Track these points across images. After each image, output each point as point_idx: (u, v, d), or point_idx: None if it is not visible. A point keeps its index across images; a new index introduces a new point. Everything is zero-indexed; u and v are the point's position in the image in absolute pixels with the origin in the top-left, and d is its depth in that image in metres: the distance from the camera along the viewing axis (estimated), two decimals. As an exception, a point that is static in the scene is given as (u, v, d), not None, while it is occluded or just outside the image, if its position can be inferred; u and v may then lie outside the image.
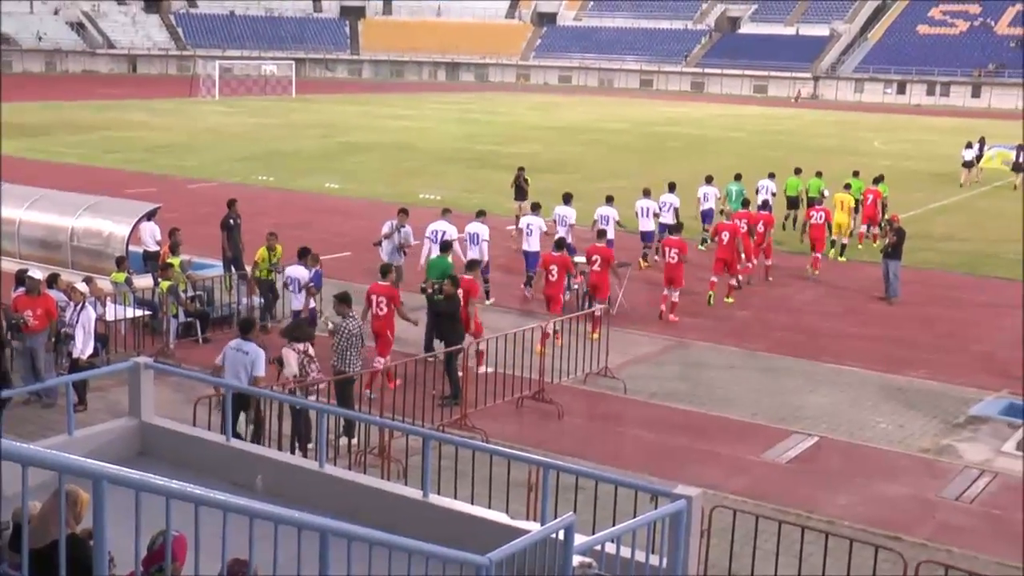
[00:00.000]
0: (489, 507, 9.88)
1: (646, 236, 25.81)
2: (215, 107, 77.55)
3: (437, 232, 21.13)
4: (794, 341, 20.34)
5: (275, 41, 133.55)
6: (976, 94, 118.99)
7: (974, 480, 13.89)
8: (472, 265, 18.30)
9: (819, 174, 31.58)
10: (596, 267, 20.07)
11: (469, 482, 11.28)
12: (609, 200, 25.11)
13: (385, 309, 16.24)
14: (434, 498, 9.33)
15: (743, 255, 23.54)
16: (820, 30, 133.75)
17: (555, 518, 7.59)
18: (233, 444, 10.39)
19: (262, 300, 19.80)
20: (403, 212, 21.60)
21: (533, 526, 8.47)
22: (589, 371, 17.22)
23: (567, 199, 24.25)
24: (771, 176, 31.25)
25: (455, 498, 10.01)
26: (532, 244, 22.90)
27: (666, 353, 19.30)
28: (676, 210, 26.47)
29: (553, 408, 15.69)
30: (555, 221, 23.74)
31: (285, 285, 18.98)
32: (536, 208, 23.71)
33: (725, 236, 22.95)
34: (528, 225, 23.02)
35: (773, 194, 29.84)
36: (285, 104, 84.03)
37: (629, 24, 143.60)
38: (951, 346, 20.58)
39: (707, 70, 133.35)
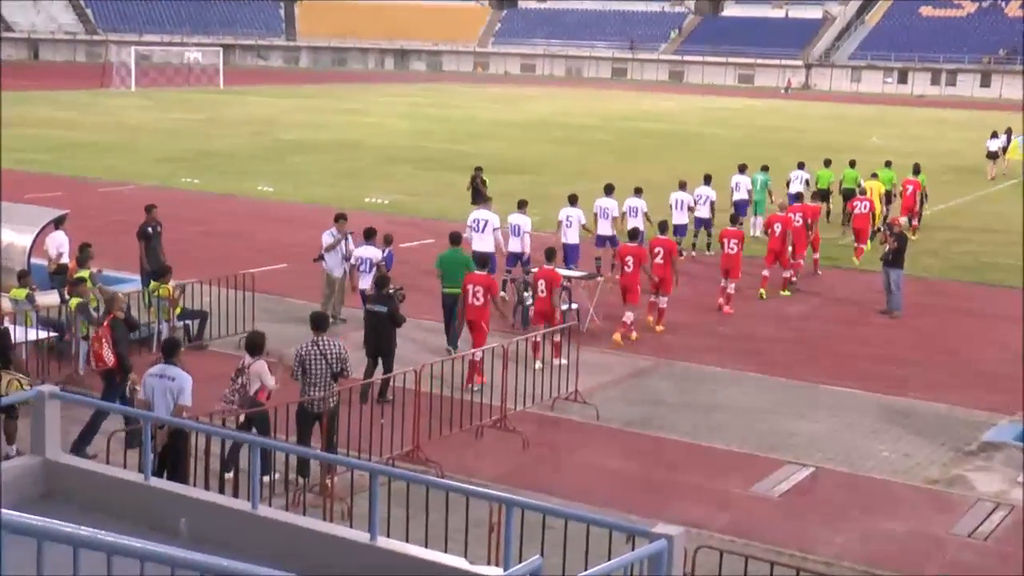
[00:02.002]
0: (445, 550, 9.84)
1: (678, 230, 26.32)
2: (131, 100, 77.12)
3: (479, 221, 22.93)
4: (786, 360, 20.46)
5: (200, 25, 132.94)
6: (985, 83, 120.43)
7: (988, 514, 14.00)
8: (483, 262, 19.11)
9: (852, 164, 34.06)
10: (628, 268, 20.89)
11: (422, 523, 11.24)
12: (638, 192, 26.74)
13: (482, 299, 17.85)
14: (383, 541, 9.27)
15: (792, 249, 25.17)
16: (812, 12, 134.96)
17: (520, 562, 7.56)
18: (153, 484, 10.29)
19: (190, 322, 19.69)
20: (341, 218, 21.51)
21: (495, 571, 8.44)
22: (557, 395, 17.22)
23: (609, 190, 26.28)
24: (801, 166, 33.13)
25: (407, 541, 9.95)
26: (571, 237, 24.35)
27: (643, 375, 19.34)
28: (712, 203, 28.51)
29: (517, 437, 15.67)
30: (597, 214, 25.56)
31: (355, 266, 20.29)
32: (574, 200, 25.04)
33: (777, 228, 24.72)
34: (568, 217, 24.50)
35: (807, 182, 32.23)
36: (212, 97, 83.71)
37: (600, 6, 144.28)
38: (960, 364, 20.77)
39: (687, 58, 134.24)
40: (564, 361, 17.91)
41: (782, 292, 25.30)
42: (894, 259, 23.68)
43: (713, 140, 61.81)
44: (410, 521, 11.45)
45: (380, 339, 17.11)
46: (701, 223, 28.84)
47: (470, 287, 18.07)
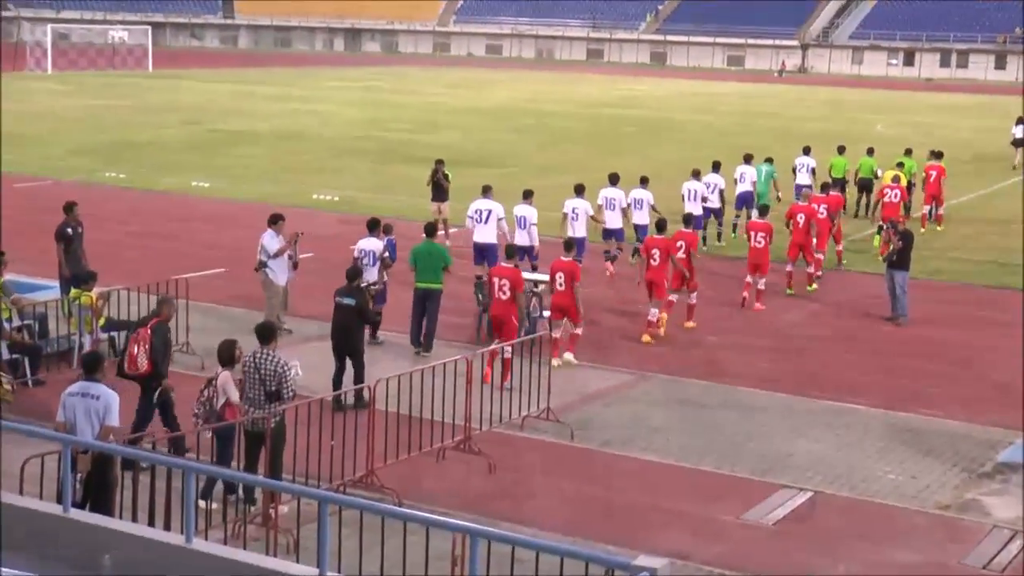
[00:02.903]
0: (402, 588, 9.82)
1: (691, 221, 26.46)
2: (47, 84, 76.69)
3: (482, 211, 24.06)
4: (782, 372, 20.54)
5: (126, 1, 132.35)
6: (1000, 65, 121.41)
7: (1005, 544, 14.07)
8: (510, 254, 19.93)
9: (870, 151, 35.27)
10: (655, 261, 21.89)
11: (377, 556, 11.21)
12: (644, 182, 27.82)
13: (508, 293, 18.77)
14: (333, 578, 9.25)
15: (816, 242, 26.30)
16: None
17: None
18: (74, 516, 10.23)
19: (115, 334, 19.59)
20: (279, 219, 21.37)
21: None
22: (527, 414, 17.22)
23: (614, 179, 27.27)
24: (807, 151, 34.27)
25: (359, 577, 9.94)
26: (578, 230, 25.15)
27: (623, 390, 19.38)
28: (722, 192, 29.90)
29: (483, 460, 15.66)
30: (602, 205, 26.75)
31: (358, 259, 20.87)
32: (580, 191, 25.98)
33: (800, 219, 25.71)
34: (574, 209, 25.44)
35: (813, 171, 33.35)
36: (140, 81, 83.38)
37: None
38: (973, 376, 20.91)
39: (669, 38, 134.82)
40: (571, 359, 19.81)
41: (808, 288, 26.08)
42: (899, 260, 23.78)
43: (700, 128, 62.06)
44: (364, 554, 11.42)
45: (348, 335, 17.61)
46: (710, 213, 29.77)
47: (496, 280, 19.04)
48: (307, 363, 16.91)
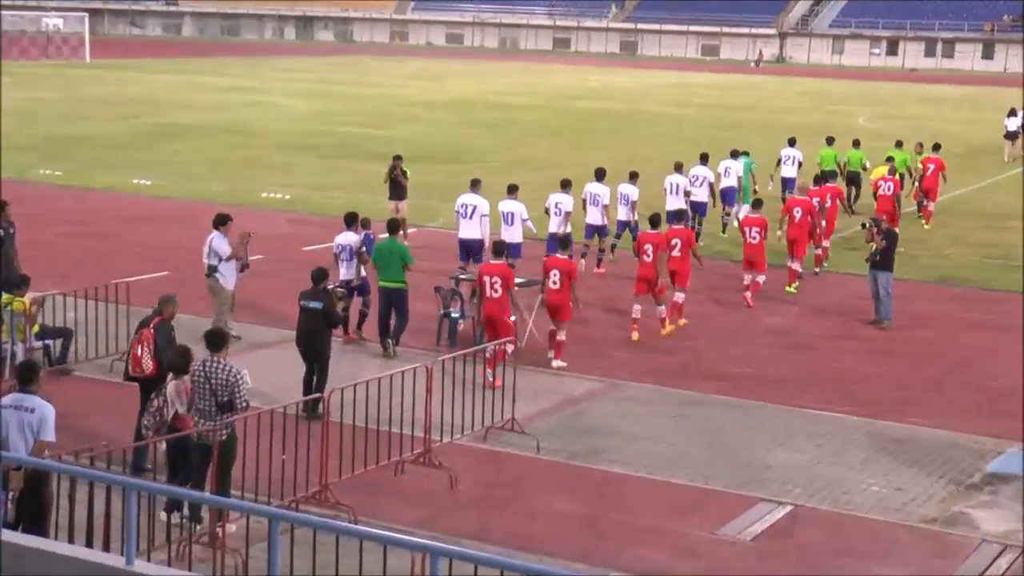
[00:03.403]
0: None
1: (674, 217, 26.87)
2: (-20, 77, 76.13)
3: (467, 206, 24.61)
4: (758, 380, 20.60)
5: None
6: (988, 54, 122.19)
7: (994, 558, 14.14)
8: (499, 250, 20.39)
9: (856, 143, 36.00)
10: (648, 258, 22.37)
11: (331, 577, 11.18)
12: (633, 177, 28.24)
13: (500, 291, 19.33)
14: (284, 600, 9.23)
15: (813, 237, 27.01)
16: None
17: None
18: (5, 537, 10.15)
19: (51, 342, 19.49)
20: (226, 219, 21.27)
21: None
22: (490, 424, 17.22)
23: (600, 174, 27.75)
24: (792, 143, 34.85)
25: (312, 599, 9.92)
26: (561, 226, 25.51)
27: (592, 399, 19.40)
28: (711, 185, 30.40)
29: (443, 474, 15.65)
30: (586, 201, 27.13)
31: (336, 255, 21.68)
32: (566, 185, 26.41)
33: (797, 213, 26.28)
34: (557, 204, 25.95)
35: (800, 163, 34.07)
36: (76, 72, 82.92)
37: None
38: (962, 383, 21.03)
39: (640, 26, 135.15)
40: (561, 363, 20.46)
41: (788, 288, 26.42)
42: (882, 260, 23.85)
43: (673, 122, 62.24)
44: (317, 575, 11.39)
45: (313, 340, 17.84)
46: (697, 208, 30.10)
47: (487, 278, 19.52)
48: (258, 371, 16.87)
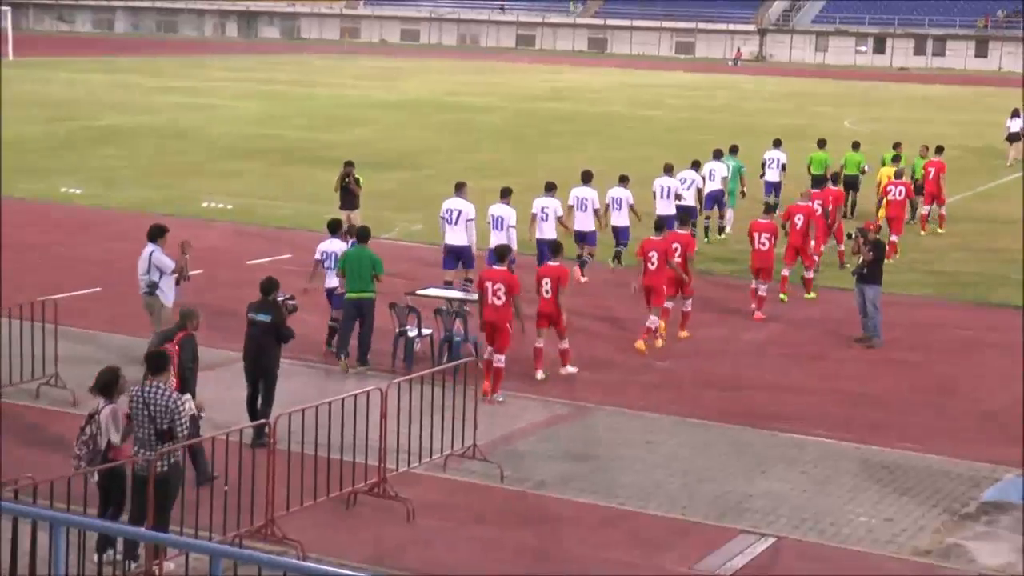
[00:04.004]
0: (308, 654, 9.77)
1: (663, 223, 27.66)
2: None
3: (452, 212, 25.10)
4: (738, 402, 20.64)
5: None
6: (981, 52, 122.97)
7: (990, 591, 14.22)
8: (503, 254, 20.87)
9: (856, 146, 36.73)
10: (652, 265, 23.00)
11: (278, 619, 11.12)
12: (623, 181, 28.96)
13: (503, 298, 19.86)
14: (226, 644, 9.18)
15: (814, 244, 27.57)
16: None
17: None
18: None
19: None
20: (163, 231, 21.13)
21: None
22: (450, 452, 17.20)
23: (587, 177, 28.24)
24: (777, 144, 35.68)
25: (258, 643, 9.87)
26: (547, 231, 26.28)
27: (559, 423, 19.39)
28: (700, 190, 31.34)
29: (400, 506, 15.61)
30: (573, 206, 27.72)
31: (319, 261, 22.24)
32: (552, 188, 26.94)
33: (799, 220, 26.79)
34: (543, 209, 26.53)
35: (783, 167, 35.06)
36: None
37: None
38: (955, 405, 21.11)
39: (610, 22, 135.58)
40: (573, 369, 21.22)
41: (807, 295, 27.33)
42: (869, 273, 23.91)
43: (645, 124, 62.42)
44: (263, 617, 11.34)
45: (261, 356, 17.84)
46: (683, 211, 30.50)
47: (488, 284, 20.05)
48: (199, 395, 16.81)
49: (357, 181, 29.62)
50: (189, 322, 16.44)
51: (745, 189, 33.95)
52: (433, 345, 21.78)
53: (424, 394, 17.20)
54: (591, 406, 20.14)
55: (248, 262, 28.47)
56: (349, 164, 30.02)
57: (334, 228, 22.63)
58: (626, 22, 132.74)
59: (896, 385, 22.00)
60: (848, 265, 28.84)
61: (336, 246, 22.17)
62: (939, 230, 35.14)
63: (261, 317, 17.87)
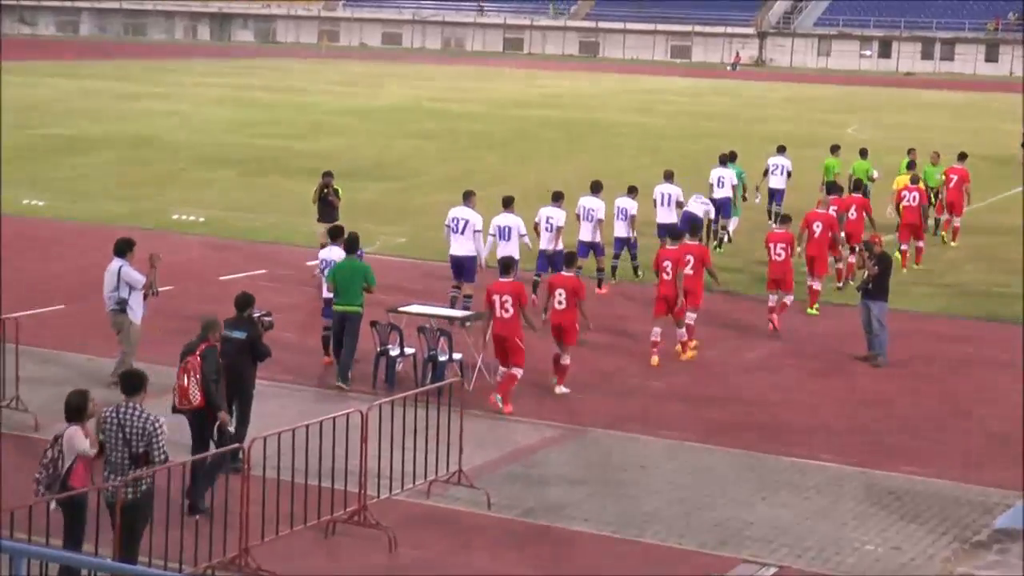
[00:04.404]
0: None
1: (665, 231, 28.87)
2: None
3: (459, 220, 25.50)
4: (738, 425, 20.63)
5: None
6: (992, 56, 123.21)
7: (1003, 624, 14.22)
8: (509, 265, 21.43)
9: (864, 153, 37.34)
10: (667, 275, 23.46)
11: (253, 655, 11.10)
12: (632, 191, 29.51)
13: (512, 311, 20.36)
14: None
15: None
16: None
17: None
18: None
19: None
20: (131, 245, 21.09)
21: None
22: (434, 478, 17.16)
23: (596, 187, 28.74)
24: (781, 150, 36.42)
25: None
26: (552, 242, 26.80)
27: (549, 447, 19.37)
28: (680, 203, 31.05)
29: (381, 535, 15.59)
30: (579, 216, 28.26)
31: (321, 270, 22.50)
32: (558, 198, 27.33)
33: (817, 228, 27.28)
34: (548, 219, 27.04)
35: (789, 174, 35.70)
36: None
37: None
38: (965, 427, 21.11)
39: (602, 25, 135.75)
40: (564, 390, 21.46)
41: (809, 310, 27.41)
42: (875, 288, 23.93)
43: (639, 132, 62.51)
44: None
45: (235, 375, 17.68)
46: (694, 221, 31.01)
47: (496, 297, 20.53)
48: (169, 418, 16.77)
49: (336, 192, 29.54)
50: (211, 333, 16.70)
51: (746, 195, 34.52)
52: (416, 365, 21.78)
53: (407, 416, 17.17)
54: (583, 428, 20.13)
55: (221, 277, 28.44)
56: (328, 174, 29.95)
57: (335, 235, 22.81)
58: (619, 25, 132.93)
59: (903, 406, 22.02)
60: (843, 284, 29.04)
61: (336, 254, 22.35)
62: (952, 243, 35.37)
63: (236, 334, 17.81)
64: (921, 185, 33.29)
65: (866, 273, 24.07)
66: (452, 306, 24.64)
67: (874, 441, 20.04)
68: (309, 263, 29.56)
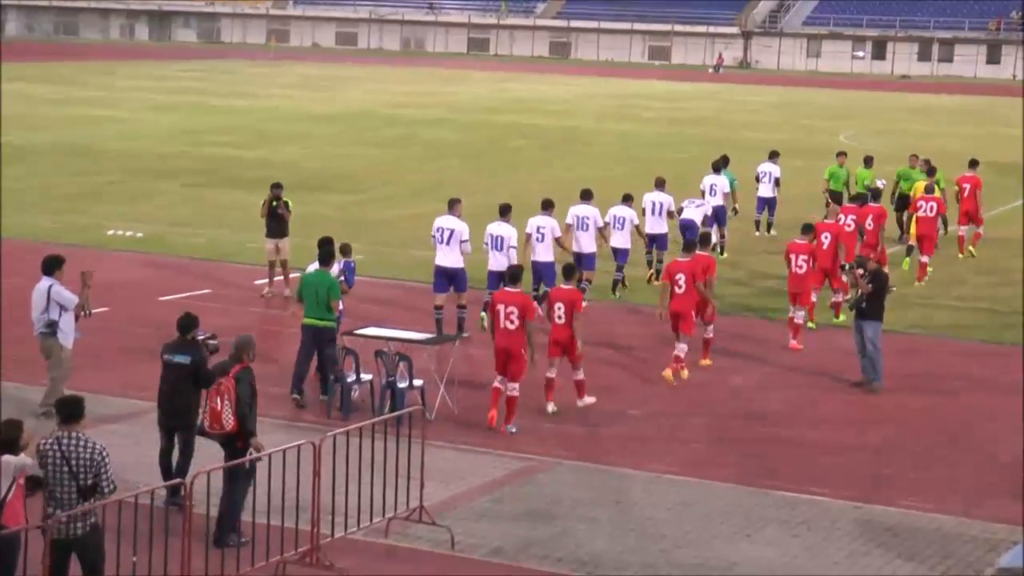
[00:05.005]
0: None
1: (655, 241, 30.14)
2: None
3: (443, 231, 26.12)
4: (721, 455, 20.66)
5: None
6: (994, 58, 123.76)
7: (1008, 671, 14.24)
8: (517, 275, 22.02)
9: (868, 161, 37.92)
10: (680, 289, 23.95)
11: None
12: (627, 199, 30.26)
13: (516, 322, 20.94)
14: None
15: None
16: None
17: None
18: None
19: None
20: (59, 263, 21.00)
21: None
22: (393, 514, 17.13)
23: (586, 195, 29.19)
24: (773, 157, 36.98)
25: None
26: (542, 253, 27.41)
27: (517, 480, 19.35)
28: (671, 213, 31.69)
29: (335, 578, 15.57)
30: (572, 225, 28.77)
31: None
32: (548, 206, 27.88)
33: (826, 238, 27.74)
34: (539, 228, 27.45)
35: (777, 181, 36.53)
36: None
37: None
38: (967, 457, 21.15)
39: (574, 23, 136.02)
40: (591, 399, 22.25)
41: (808, 323, 27.53)
42: (869, 308, 23.91)
43: (616, 140, 62.65)
44: None
45: (178, 403, 17.71)
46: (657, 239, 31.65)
47: (501, 308, 21.16)
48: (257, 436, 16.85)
49: (287, 205, 29.51)
50: (245, 353, 16.83)
51: (737, 206, 35.16)
52: (373, 392, 21.74)
53: (363, 448, 17.12)
54: (554, 460, 20.11)
55: (161, 298, 28.35)
56: (277, 186, 29.94)
57: (323, 246, 23.02)
58: (592, 24, 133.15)
59: (900, 434, 22.05)
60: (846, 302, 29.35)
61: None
62: (973, 252, 35.81)
63: (179, 359, 17.74)
64: (938, 194, 33.69)
65: (859, 291, 24.09)
66: (439, 330, 25.13)
67: (869, 472, 20.06)
68: (257, 282, 29.62)
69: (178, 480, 16.42)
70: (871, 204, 31.31)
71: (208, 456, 17.24)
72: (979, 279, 33.95)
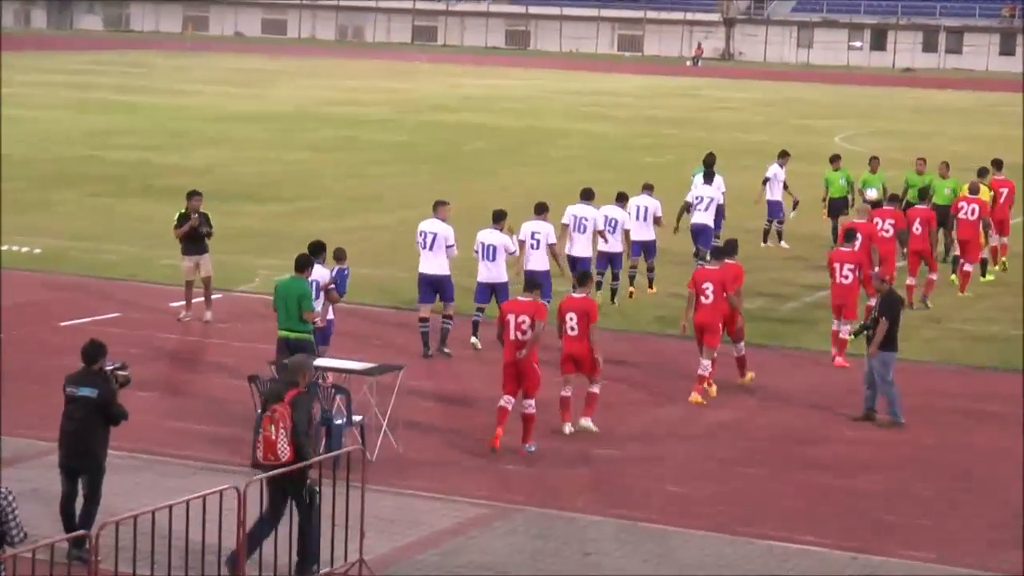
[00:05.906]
0: None
1: (642, 249, 31.01)
2: None
3: (427, 235, 26.91)
4: (703, 500, 20.68)
5: None
6: (1007, 48, 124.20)
7: None
8: (534, 283, 22.98)
9: (874, 164, 38.58)
10: (707, 299, 24.64)
11: None
12: (621, 199, 31.09)
13: (529, 333, 21.52)
14: None
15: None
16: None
17: None
18: None
19: None
20: None
21: None
22: (329, 569, 17.11)
23: (587, 195, 30.33)
24: (782, 158, 38.09)
25: None
26: (535, 262, 27.87)
27: (472, 530, 19.32)
28: (657, 218, 32.40)
29: (262, 642, 15.54)
30: (568, 226, 29.71)
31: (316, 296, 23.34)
32: (542, 210, 28.59)
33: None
34: (533, 234, 28.11)
35: (784, 184, 37.54)
36: None
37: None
38: (974, 500, 21.19)
39: (533, 10, 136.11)
40: (594, 428, 22.84)
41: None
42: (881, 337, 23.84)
43: (583, 141, 62.79)
44: None
45: (83, 443, 17.49)
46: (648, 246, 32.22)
47: (512, 317, 21.85)
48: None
49: (206, 218, 29.37)
50: (301, 376, 17.21)
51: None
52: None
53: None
54: (517, 507, 20.09)
55: (62, 323, 28.24)
56: (195, 195, 29.77)
57: (316, 251, 23.83)
58: (554, 10, 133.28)
59: (903, 476, 22.07)
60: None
61: (319, 272, 23.59)
62: (996, 267, 36.33)
63: (84, 392, 17.53)
64: (983, 197, 34.02)
65: (868, 314, 24.24)
66: (425, 346, 26.17)
67: (868, 519, 20.10)
68: (172, 304, 29.49)
69: (82, 532, 16.32)
70: (919, 206, 32.01)
71: (116, 506, 17.17)
72: (999, 298, 34.00)
